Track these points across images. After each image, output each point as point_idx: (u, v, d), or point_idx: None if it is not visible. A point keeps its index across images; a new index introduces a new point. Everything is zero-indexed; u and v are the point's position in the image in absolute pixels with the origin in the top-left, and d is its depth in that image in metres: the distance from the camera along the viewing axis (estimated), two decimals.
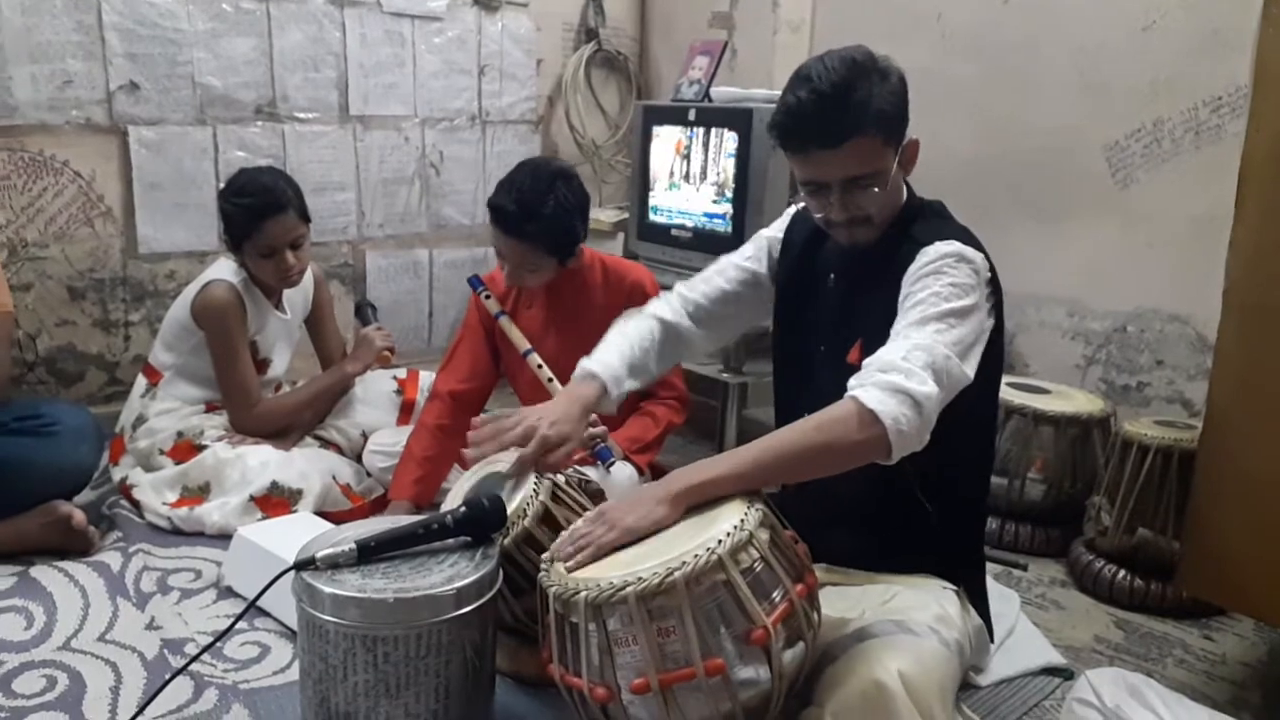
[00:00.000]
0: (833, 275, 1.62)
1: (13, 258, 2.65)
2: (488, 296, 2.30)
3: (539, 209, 2.08)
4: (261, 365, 2.49)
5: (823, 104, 1.42)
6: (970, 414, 1.43)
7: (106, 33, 2.67)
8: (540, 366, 2.15)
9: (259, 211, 2.32)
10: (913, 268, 1.44)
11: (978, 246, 1.48)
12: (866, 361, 1.36)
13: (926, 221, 1.53)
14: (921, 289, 1.41)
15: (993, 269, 1.48)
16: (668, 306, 1.75)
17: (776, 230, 1.75)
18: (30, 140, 2.63)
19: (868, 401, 1.29)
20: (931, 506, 1.54)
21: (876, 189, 1.48)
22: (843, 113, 1.42)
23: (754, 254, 1.76)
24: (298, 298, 2.59)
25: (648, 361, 1.70)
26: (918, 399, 1.29)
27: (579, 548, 1.33)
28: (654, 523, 1.32)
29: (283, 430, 2.48)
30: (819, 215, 1.55)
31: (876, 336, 1.42)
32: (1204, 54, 2.32)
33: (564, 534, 1.41)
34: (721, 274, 1.76)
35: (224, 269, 2.40)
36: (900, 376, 1.30)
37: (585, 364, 1.64)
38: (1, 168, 2.60)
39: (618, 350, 1.67)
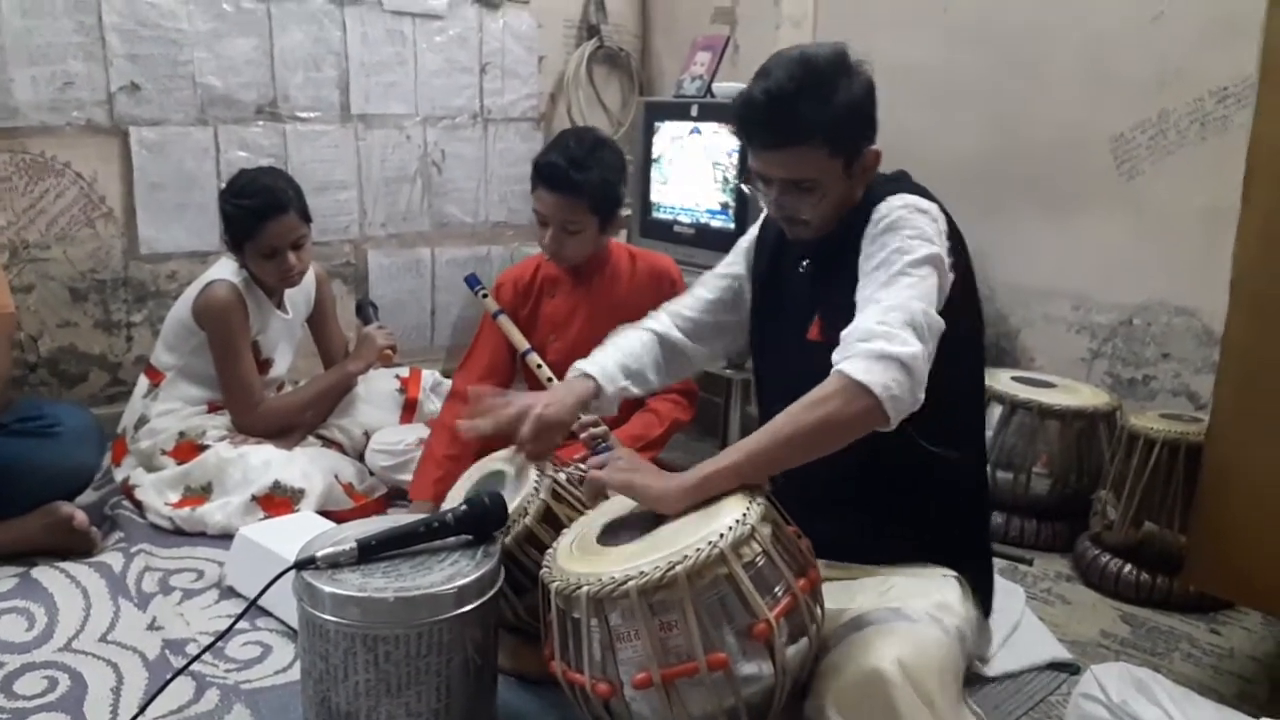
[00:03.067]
0: (805, 261, 1.63)
1: (14, 259, 2.65)
2: (485, 295, 2.30)
3: (586, 161, 2.15)
4: (264, 365, 2.49)
5: (771, 107, 1.44)
6: (955, 376, 1.43)
7: (107, 34, 2.67)
8: (540, 366, 2.14)
9: (260, 213, 2.31)
10: (869, 229, 1.45)
11: (932, 199, 1.48)
12: (844, 333, 1.36)
13: (880, 189, 1.53)
14: (880, 248, 1.41)
15: (948, 216, 1.48)
16: (657, 321, 1.78)
17: (752, 232, 1.78)
18: (31, 142, 2.63)
19: (854, 374, 1.29)
20: (936, 457, 1.52)
21: (813, 197, 1.48)
22: (787, 119, 1.43)
23: (733, 259, 1.79)
24: (299, 297, 2.59)
25: (644, 369, 1.71)
26: (904, 360, 1.29)
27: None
28: (658, 492, 1.34)
29: (285, 430, 2.47)
30: (767, 210, 1.56)
31: (834, 309, 1.44)
32: (1211, 44, 2.30)
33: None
34: (702, 284, 1.80)
35: (225, 269, 2.40)
36: (882, 342, 1.30)
37: (578, 365, 1.67)
38: (3, 169, 2.60)
39: (610, 355, 1.70)
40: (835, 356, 1.34)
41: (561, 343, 2.30)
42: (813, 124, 1.42)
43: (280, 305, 2.52)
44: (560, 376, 2.11)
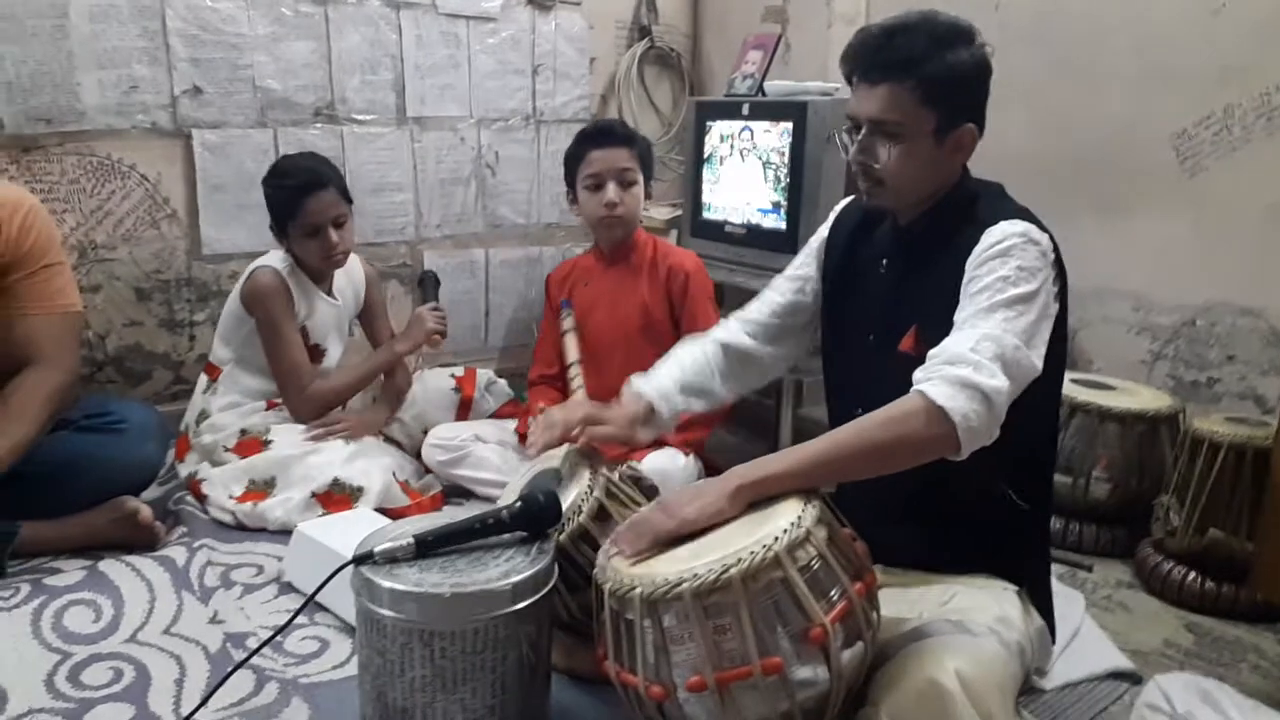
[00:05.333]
0: (885, 260, 1.59)
1: (82, 259, 2.72)
2: (569, 315, 2.49)
3: (624, 124, 2.56)
4: (315, 352, 2.55)
5: (877, 40, 1.45)
6: (1033, 406, 1.39)
7: (171, 38, 2.73)
8: (574, 379, 2.22)
9: (300, 190, 2.40)
10: (977, 250, 1.40)
11: (1042, 228, 1.44)
12: (932, 353, 1.33)
13: (987, 203, 1.50)
14: (987, 273, 1.37)
15: (1057, 251, 1.44)
16: (723, 329, 1.77)
17: (822, 231, 1.75)
18: (99, 145, 2.69)
19: (936, 397, 1.26)
20: (992, 501, 1.51)
21: (893, 146, 1.46)
22: (890, 51, 1.43)
23: (803, 260, 1.76)
24: (349, 291, 2.66)
25: (707, 382, 1.71)
26: (987, 393, 1.26)
27: (637, 533, 1.32)
28: (712, 515, 1.31)
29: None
30: (848, 159, 1.54)
31: (932, 323, 1.40)
32: (1276, 38, 2.24)
33: (622, 524, 1.41)
34: (773, 288, 1.78)
35: (270, 258, 2.49)
36: (969, 370, 1.27)
37: (635, 383, 1.67)
38: (71, 172, 2.67)
39: (667, 373, 1.70)
40: (917, 375, 1.31)
41: (588, 328, 2.47)
42: (912, 61, 1.42)
43: (329, 293, 2.57)
44: (593, 359, 2.37)
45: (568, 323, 2.46)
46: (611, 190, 2.40)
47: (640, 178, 2.46)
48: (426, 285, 2.74)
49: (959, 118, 1.47)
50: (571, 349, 2.34)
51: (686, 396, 1.67)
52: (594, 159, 2.42)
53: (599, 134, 2.46)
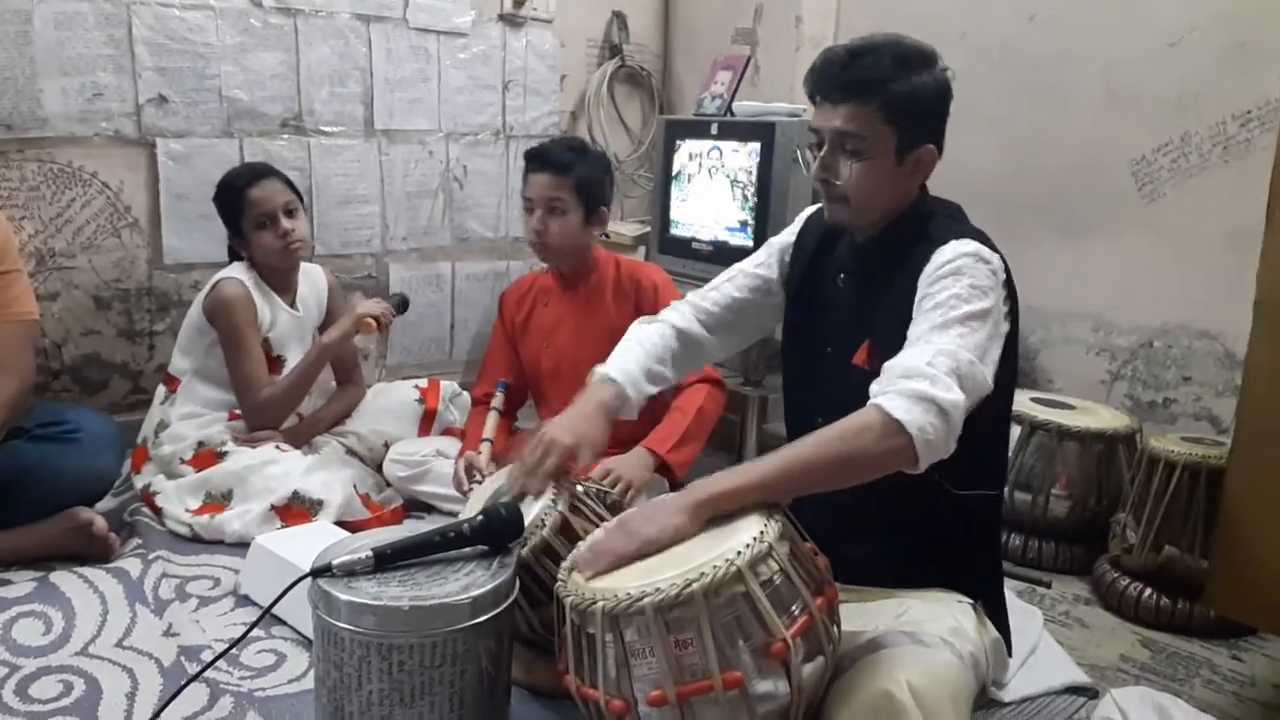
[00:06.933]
0: (843, 275, 1.61)
1: (40, 267, 2.68)
2: (501, 393, 2.50)
3: (572, 148, 2.36)
4: (275, 363, 2.53)
5: (842, 60, 1.48)
6: (984, 421, 1.40)
7: (136, 46, 2.70)
8: (483, 453, 2.30)
9: (243, 184, 2.45)
10: (929, 268, 1.43)
11: (993, 248, 1.47)
12: (887, 366, 1.34)
13: (941, 222, 1.52)
14: (940, 290, 1.39)
15: (1008, 271, 1.47)
16: (679, 314, 1.76)
17: (788, 235, 1.76)
18: (59, 152, 2.66)
19: (893, 410, 1.27)
20: (945, 516, 1.52)
21: (855, 162, 1.48)
22: (852, 74, 1.46)
23: (765, 260, 1.76)
24: (312, 300, 2.64)
25: (664, 368, 1.70)
26: (944, 406, 1.27)
27: (597, 555, 1.32)
28: (673, 531, 1.30)
29: (287, 414, 2.53)
30: (812, 174, 1.56)
31: (885, 338, 1.41)
32: (1233, 68, 2.30)
33: (583, 543, 1.41)
34: (732, 281, 1.77)
35: (234, 269, 2.49)
36: (925, 383, 1.28)
37: (601, 369, 1.64)
38: (31, 178, 2.63)
39: (634, 357, 1.67)
40: (873, 389, 1.32)
41: (553, 348, 2.45)
42: (876, 82, 1.45)
43: (292, 304, 2.56)
44: (557, 379, 2.39)
45: (497, 399, 2.46)
46: (534, 218, 2.32)
47: (572, 207, 2.30)
48: (393, 301, 2.64)
49: (919, 138, 1.49)
50: (490, 427, 2.38)
51: (650, 383, 1.66)
52: (530, 182, 2.33)
53: (536, 157, 2.33)
